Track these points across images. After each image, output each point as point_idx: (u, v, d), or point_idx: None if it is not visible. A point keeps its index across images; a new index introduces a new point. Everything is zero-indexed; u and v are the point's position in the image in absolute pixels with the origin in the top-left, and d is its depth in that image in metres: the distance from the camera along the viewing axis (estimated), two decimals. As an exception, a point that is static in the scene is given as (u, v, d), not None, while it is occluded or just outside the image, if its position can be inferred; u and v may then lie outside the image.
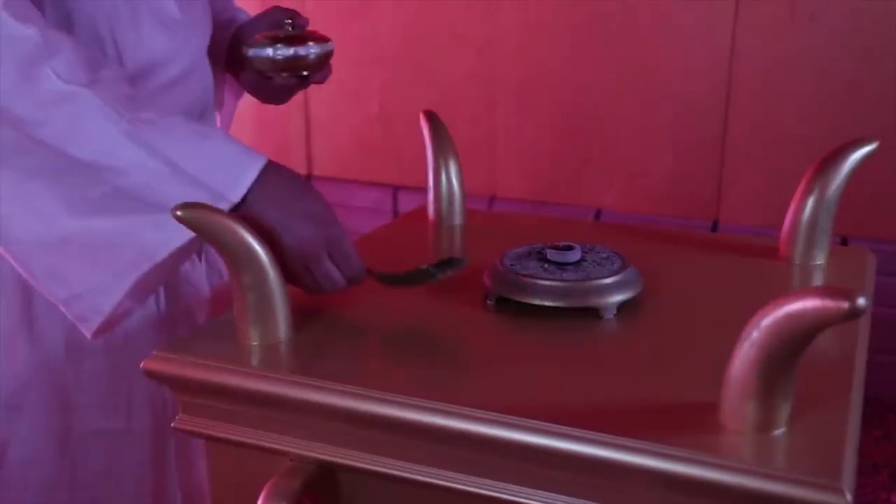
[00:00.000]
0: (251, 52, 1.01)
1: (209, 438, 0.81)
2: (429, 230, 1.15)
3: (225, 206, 0.83)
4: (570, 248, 0.90)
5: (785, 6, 2.33)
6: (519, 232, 1.14)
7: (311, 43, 1.00)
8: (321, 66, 1.04)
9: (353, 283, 0.89)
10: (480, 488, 0.71)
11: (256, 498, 0.74)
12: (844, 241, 2.38)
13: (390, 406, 0.72)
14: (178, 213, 0.75)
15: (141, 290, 0.88)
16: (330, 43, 1.03)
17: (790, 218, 1.00)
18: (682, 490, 0.64)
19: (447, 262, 0.89)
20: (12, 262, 0.87)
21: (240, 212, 0.83)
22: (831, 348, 0.81)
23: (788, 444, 0.65)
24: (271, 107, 1.20)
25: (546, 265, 0.90)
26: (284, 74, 1.03)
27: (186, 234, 0.82)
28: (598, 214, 2.64)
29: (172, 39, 0.97)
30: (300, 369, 0.77)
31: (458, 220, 1.12)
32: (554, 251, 0.90)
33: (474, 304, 0.90)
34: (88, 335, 0.87)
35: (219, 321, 0.87)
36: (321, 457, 0.76)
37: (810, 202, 0.99)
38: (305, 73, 1.03)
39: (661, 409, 0.70)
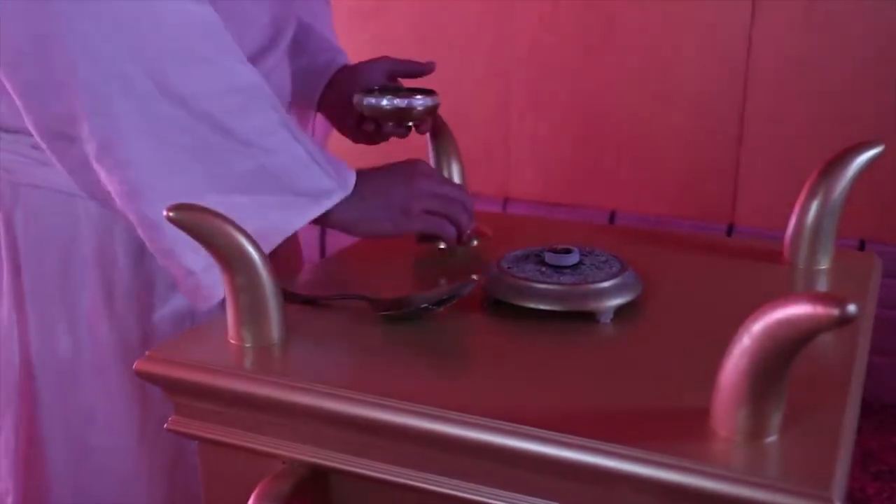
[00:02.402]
0: (365, 100, 1.06)
1: (202, 440, 0.81)
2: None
3: (345, 193, 0.94)
4: (568, 252, 0.90)
5: (801, 7, 2.31)
6: (520, 234, 1.14)
7: (419, 96, 1.06)
8: (425, 118, 1.09)
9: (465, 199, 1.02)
10: (471, 493, 0.71)
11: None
12: (862, 245, 2.36)
13: (383, 410, 0.72)
14: (171, 213, 0.75)
15: None
16: (437, 96, 1.08)
17: (794, 222, 0.99)
18: (669, 497, 0.63)
19: (451, 293, 0.87)
20: (142, 231, 0.91)
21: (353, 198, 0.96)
22: (830, 353, 0.80)
23: (779, 452, 0.64)
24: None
25: (543, 268, 0.89)
26: (391, 124, 1.09)
27: (308, 216, 0.93)
28: (612, 216, 2.62)
29: (263, 39, 1.02)
30: (293, 372, 0.77)
31: (460, 221, 1.11)
32: (552, 254, 0.90)
33: (470, 307, 0.90)
34: (210, 305, 0.92)
35: (212, 322, 0.87)
36: (313, 460, 0.76)
37: (814, 206, 0.97)
38: (410, 123, 1.10)
39: (653, 414, 0.69)
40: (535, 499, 0.69)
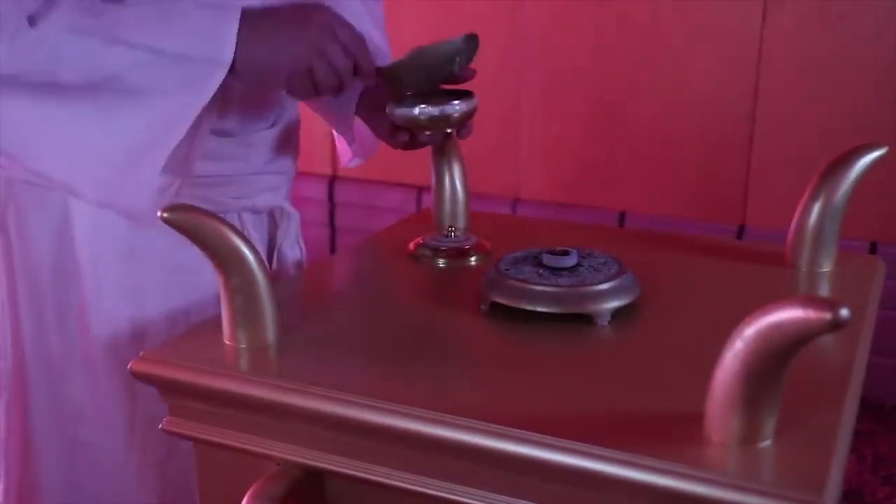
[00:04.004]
0: (397, 110, 0.99)
1: (197, 441, 0.81)
2: (431, 232, 1.14)
3: (223, 71, 0.87)
4: (566, 253, 0.89)
5: (814, 7, 2.29)
6: (521, 236, 1.13)
7: (455, 102, 0.99)
8: (464, 123, 1.03)
9: (362, 69, 0.93)
10: (463, 496, 0.70)
11: (243, 502, 0.74)
12: (873, 247, 2.33)
13: (376, 413, 0.71)
14: (165, 214, 0.76)
15: (177, 164, 0.92)
16: (474, 99, 1.01)
17: (796, 224, 0.98)
18: (661, 502, 0.62)
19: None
20: (61, 179, 0.91)
21: (238, 62, 0.88)
22: (830, 356, 0.79)
23: (773, 457, 0.63)
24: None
25: (541, 270, 0.88)
26: (428, 133, 1.03)
27: (193, 114, 0.87)
28: (622, 217, 2.61)
29: None
30: (287, 374, 0.77)
31: (461, 222, 1.11)
32: (550, 256, 0.89)
33: (468, 309, 0.89)
34: (145, 222, 0.91)
35: (207, 323, 0.87)
36: (307, 462, 0.76)
37: (816, 208, 0.97)
38: (449, 130, 1.03)
39: (648, 418, 0.69)
40: (527, 502, 0.68)
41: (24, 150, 0.90)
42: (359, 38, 0.93)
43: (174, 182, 0.94)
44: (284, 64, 0.89)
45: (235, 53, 0.87)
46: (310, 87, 0.92)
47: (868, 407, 2.39)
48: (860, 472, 2.19)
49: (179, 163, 0.93)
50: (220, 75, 0.87)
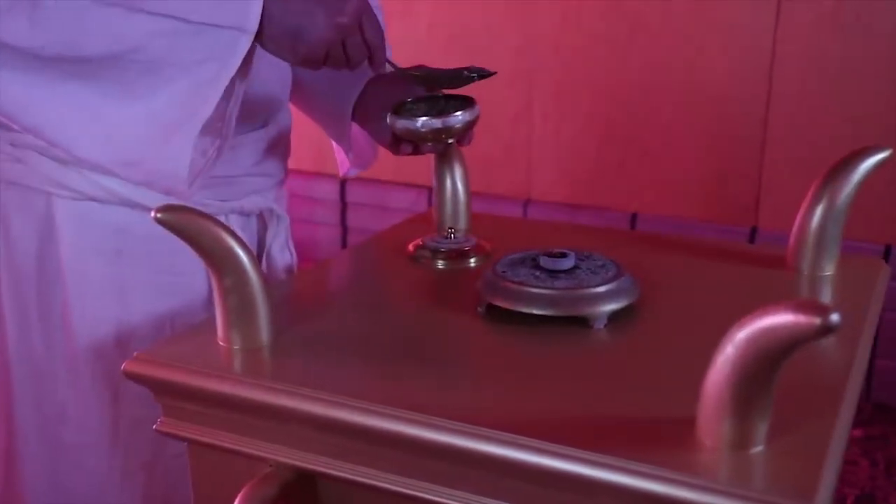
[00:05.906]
0: (399, 122, 0.99)
1: (191, 442, 0.81)
2: (433, 234, 1.13)
3: (249, 39, 0.84)
4: (563, 256, 0.88)
5: (829, 8, 2.28)
6: (523, 238, 1.13)
7: (458, 113, 0.98)
8: (466, 132, 1.03)
9: (375, 61, 0.92)
10: (456, 500, 0.70)
11: (237, 503, 0.74)
12: (887, 250, 2.31)
13: (369, 416, 0.71)
14: (159, 215, 0.75)
15: (209, 135, 0.90)
16: (476, 107, 1.01)
17: (798, 227, 0.97)
18: (649, 508, 0.62)
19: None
20: (93, 160, 0.89)
21: (264, 31, 0.85)
22: (829, 359, 0.78)
23: (764, 464, 0.62)
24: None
25: (538, 272, 0.88)
26: (429, 144, 1.03)
27: (223, 83, 0.85)
28: (634, 218, 2.60)
29: None
30: (280, 376, 0.77)
31: (462, 224, 1.11)
32: (547, 258, 0.88)
33: (465, 311, 0.89)
34: (187, 193, 0.89)
35: (202, 324, 0.86)
36: (300, 464, 0.76)
37: (819, 211, 0.96)
38: (450, 140, 1.03)
39: (641, 423, 0.68)
40: (515, 506, 0.68)
41: (50, 130, 0.88)
42: (380, 32, 0.92)
43: (214, 143, 0.91)
44: (306, 42, 0.86)
45: (261, 21, 0.85)
46: (318, 66, 0.90)
47: (881, 411, 2.37)
48: (873, 477, 2.17)
49: (217, 125, 0.90)
50: (245, 44, 0.84)
